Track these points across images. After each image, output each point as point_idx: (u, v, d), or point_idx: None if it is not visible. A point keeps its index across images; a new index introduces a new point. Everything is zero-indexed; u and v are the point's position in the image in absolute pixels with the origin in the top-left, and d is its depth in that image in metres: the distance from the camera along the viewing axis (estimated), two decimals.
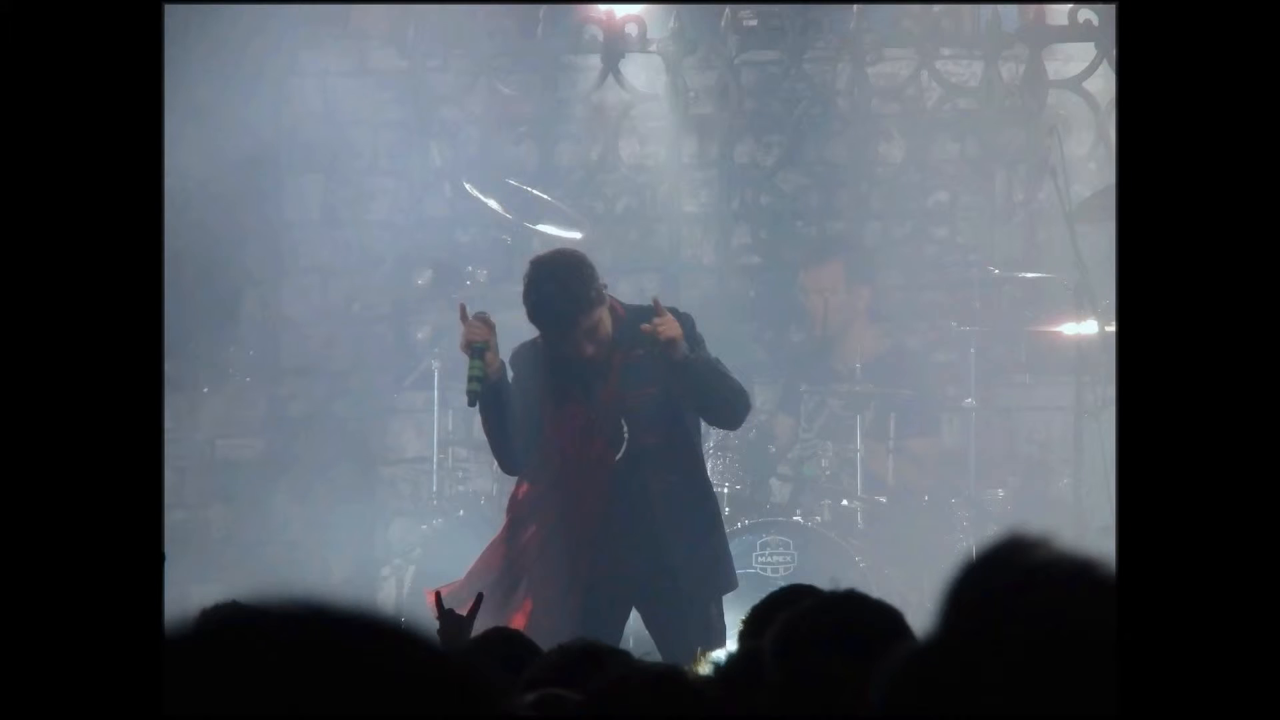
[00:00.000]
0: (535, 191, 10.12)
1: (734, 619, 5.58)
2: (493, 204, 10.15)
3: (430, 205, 10.79)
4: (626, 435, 7.57)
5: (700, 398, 7.55)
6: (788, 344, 10.70)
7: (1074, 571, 1.89)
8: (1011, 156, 10.68)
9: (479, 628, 5.23)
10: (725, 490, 9.40)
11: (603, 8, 10.72)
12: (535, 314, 7.46)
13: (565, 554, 7.59)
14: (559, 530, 7.63)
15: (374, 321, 10.83)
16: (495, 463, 8.05)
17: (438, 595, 5.83)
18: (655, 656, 6.75)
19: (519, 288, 7.53)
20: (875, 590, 6.04)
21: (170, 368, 8.92)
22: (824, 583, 4.03)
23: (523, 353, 7.64)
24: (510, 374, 7.58)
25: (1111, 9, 10.13)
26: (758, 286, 10.79)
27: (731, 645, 4.78)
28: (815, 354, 10.34)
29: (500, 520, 7.91)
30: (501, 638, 4.57)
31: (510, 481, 8.04)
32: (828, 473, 9.89)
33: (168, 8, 6.30)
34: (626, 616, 7.64)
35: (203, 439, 10.75)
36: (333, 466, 10.69)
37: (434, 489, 10.19)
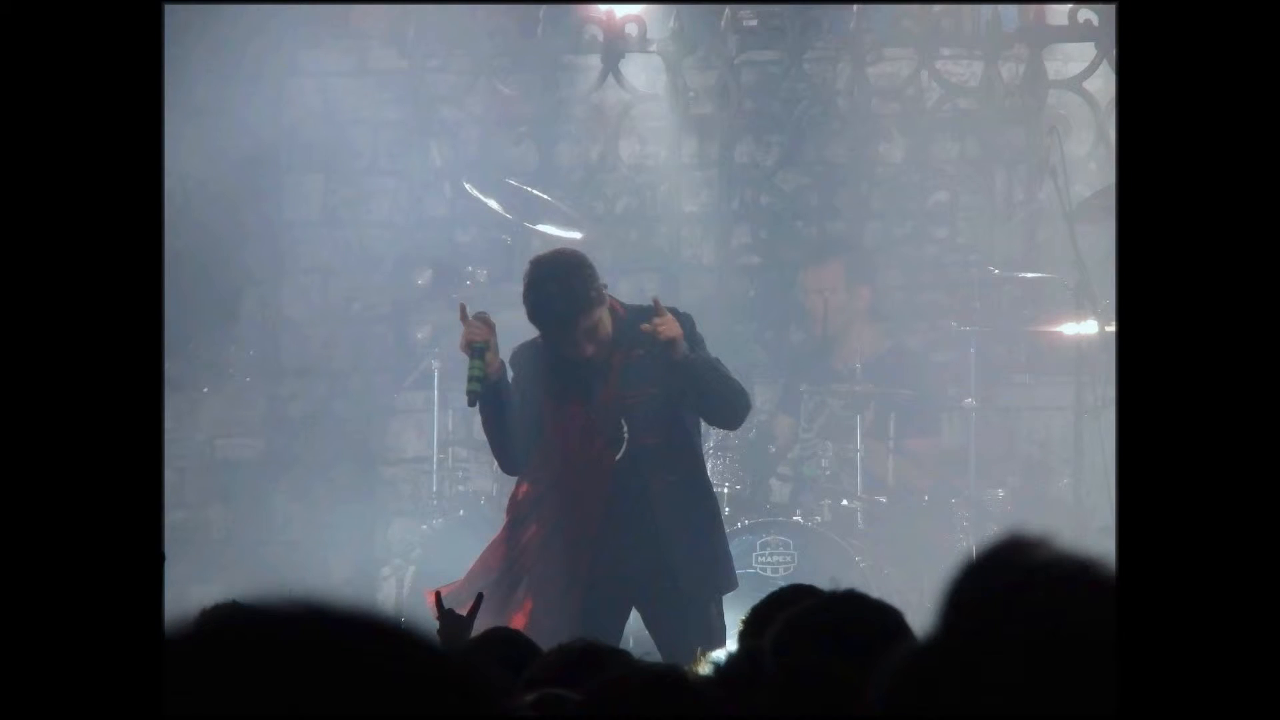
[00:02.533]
0: (535, 191, 10.12)
1: (734, 619, 5.57)
2: (493, 204, 10.15)
3: (430, 205, 10.79)
4: (626, 435, 7.56)
5: (700, 398, 7.54)
6: (788, 344, 10.70)
7: (1074, 571, 1.89)
8: (1011, 156, 10.67)
9: (479, 628, 5.23)
10: (725, 490, 9.39)
11: (603, 8, 10.72)
12: (535, 314, 7.45)
13: (565, 554, 7.59)
14: (559, 530, 7.63)
15: (374, 321, 10.83)
16: (495, 463, 8.04)
17: (438, 595, 5.83)
18: (655, 656, 6.75)
19: (519, 288, 7.53)
20: (875, 590, 6.06)
21: (170, 368, 8.92)
22: (824, 583, 4.03)
23: (523, 353, 7.63)
24: (510, 374, 7.57)
25: (1111, 9, 10.12)
26: (758, 286, 10.79)
27: (731, 645, 4.78)
28: (815, 354, 10.34)
29: (500, 520, 7.90)
30: (501, 638, 4.57)
31: (510, 481, 8.03)
32: (828, 473, 9.88)
33: (168, 8, 6.29)
34: (626, 616, 7.64)
35: (203, 439, 10.75)
36: (333, 466, 10.70)
37: (434, 489, 10.19)
